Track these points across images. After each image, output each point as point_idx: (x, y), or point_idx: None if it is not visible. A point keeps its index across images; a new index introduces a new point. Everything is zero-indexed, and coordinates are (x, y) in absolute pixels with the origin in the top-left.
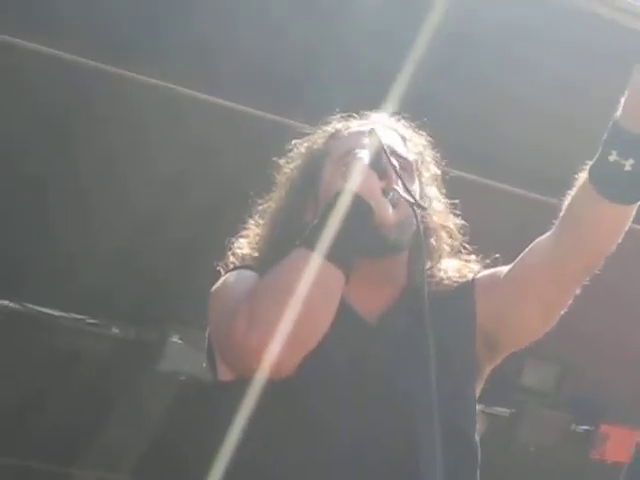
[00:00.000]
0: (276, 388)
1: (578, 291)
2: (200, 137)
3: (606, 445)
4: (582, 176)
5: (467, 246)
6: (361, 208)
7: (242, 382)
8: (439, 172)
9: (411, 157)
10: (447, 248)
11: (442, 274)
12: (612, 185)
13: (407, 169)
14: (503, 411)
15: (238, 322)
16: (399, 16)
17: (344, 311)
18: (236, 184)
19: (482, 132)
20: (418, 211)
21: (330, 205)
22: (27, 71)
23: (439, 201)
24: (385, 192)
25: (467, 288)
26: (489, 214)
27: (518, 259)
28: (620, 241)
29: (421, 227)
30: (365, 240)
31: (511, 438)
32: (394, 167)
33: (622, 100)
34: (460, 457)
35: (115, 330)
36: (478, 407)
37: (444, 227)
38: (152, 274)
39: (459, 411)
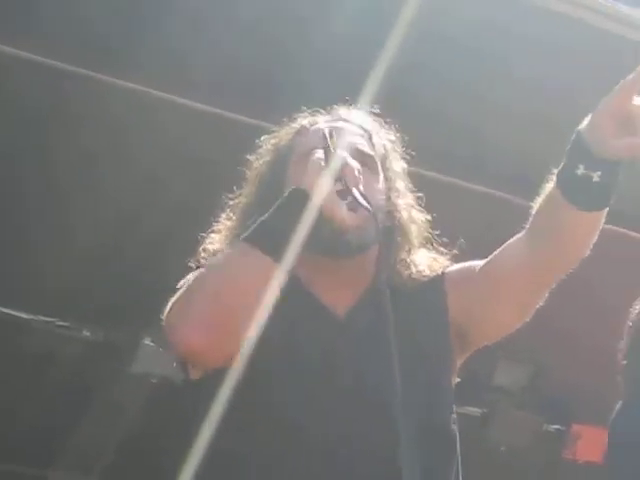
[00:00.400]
0: (248, 383)
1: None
2: (178, 141)
3: (578, 445)
4: (550, 185)
5: (437, 240)
6: (296, 197)
7: (212, 378)
8: (406, 166)
9: (376, 153)
10: (416, 242)
11: (412, 269)
12: (582, 195)
13: (370, 165)
14: (475, 411)
15: (172, 317)
16: (377, 15)
17: (314, 307)
18: (212, 186)
19: (457, 132)
20: (379, 212)
21: (276, 202)
22: (3, 74)
23: (406, 196)
24: (342, 195)
25: (437, 282)
26: (458, 213)
27: (491, 258)
28: (597, 243)
29: (380, 228)
30: (323, 241)
31: (483, 438)
32: (351, 170)
33: (590, 116)
34: (436, 448)
35: (86, 333)
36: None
37: (413, 221)
38: (124, 275)
39: (435, 403)
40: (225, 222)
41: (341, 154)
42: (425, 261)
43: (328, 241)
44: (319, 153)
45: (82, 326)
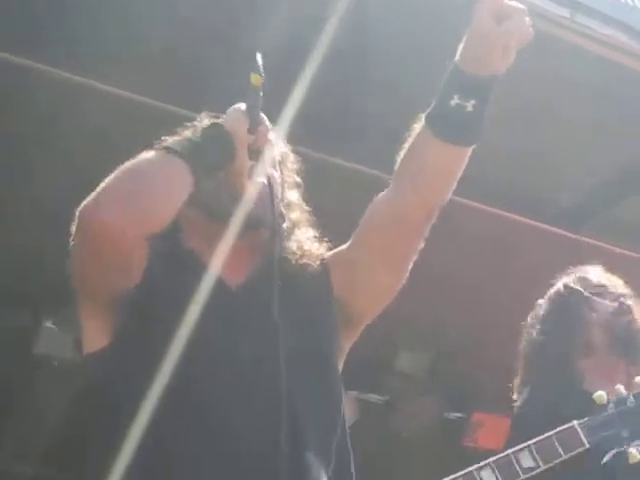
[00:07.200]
0: (148, 356)
1: (422, 244)
2: (101, 128)
3: (479, 432)
4: (417, 127)
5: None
6: (218, 133)
7: (112, 350)
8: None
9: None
10: (305, 220)
11: (301, 249)
12: (454, 127)
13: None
14: (377, 398)
15: (87, 202)
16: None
17: (208, 278)
18: None
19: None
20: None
21: (197, 131)
22: None
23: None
24: (251, 151)
25: (323, 263)
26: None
27: (361, 220)
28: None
29: (276, 202)
30: (221, 206)
31: (385, 425)
32: (265, 131)
33: (460, 46)
34: (325, 406)
35: None
36: (353, 393)
37: (300, 202)
38: (26, 259)
39: (326, 373)
40: None
41: (262, 116)
42: (311, 241)
43: (226, 207)
44: (241, 104)
45: None
